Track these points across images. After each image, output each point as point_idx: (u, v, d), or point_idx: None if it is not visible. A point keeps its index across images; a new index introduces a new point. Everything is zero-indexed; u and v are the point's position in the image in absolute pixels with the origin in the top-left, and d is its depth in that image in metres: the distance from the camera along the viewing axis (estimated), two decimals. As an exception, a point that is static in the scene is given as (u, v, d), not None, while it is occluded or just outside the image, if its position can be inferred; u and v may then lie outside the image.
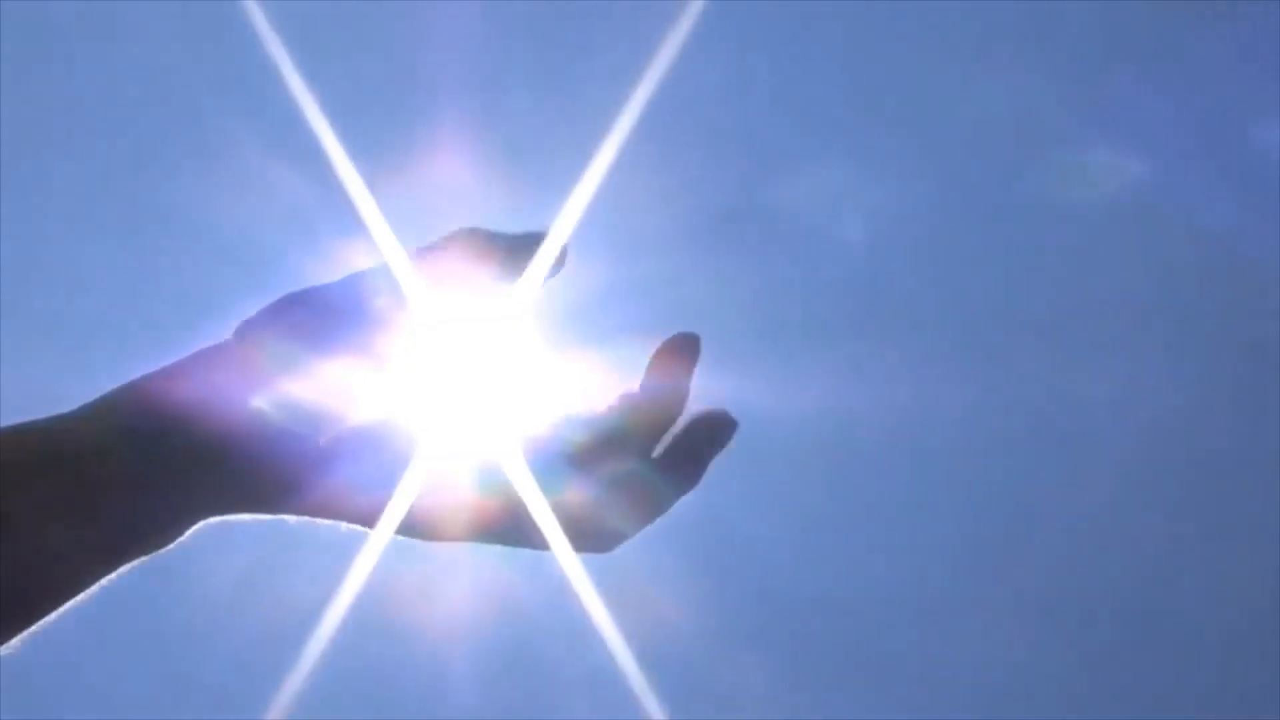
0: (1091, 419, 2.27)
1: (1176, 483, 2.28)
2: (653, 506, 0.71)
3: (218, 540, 0.69)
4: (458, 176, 2.02)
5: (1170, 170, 2.28)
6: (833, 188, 2.25)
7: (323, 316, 0.67)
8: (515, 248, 0.69)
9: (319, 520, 0.67)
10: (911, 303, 2.27)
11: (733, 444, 0.73)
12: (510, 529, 0.69)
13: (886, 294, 2.27)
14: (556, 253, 0.70)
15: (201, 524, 0.67)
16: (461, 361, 0.69)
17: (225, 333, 0.69)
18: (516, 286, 0.69)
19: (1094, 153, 2.29)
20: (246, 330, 0.67)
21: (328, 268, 0.69)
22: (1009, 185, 2.28)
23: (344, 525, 0.67)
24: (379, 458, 0.67)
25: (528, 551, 0.69)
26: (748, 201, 2.26)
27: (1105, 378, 2.27)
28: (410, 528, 0.68)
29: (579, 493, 0.69)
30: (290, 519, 0.67)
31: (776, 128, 2.26)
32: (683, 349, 0.73)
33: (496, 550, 0.69)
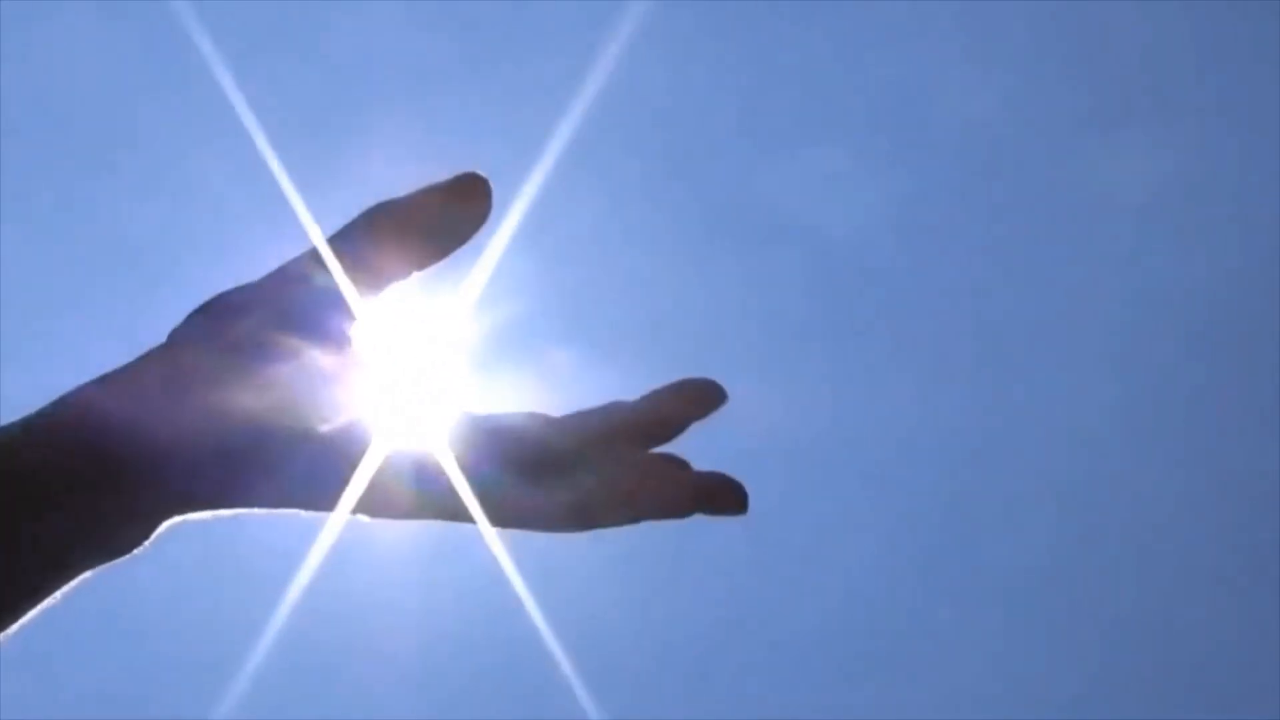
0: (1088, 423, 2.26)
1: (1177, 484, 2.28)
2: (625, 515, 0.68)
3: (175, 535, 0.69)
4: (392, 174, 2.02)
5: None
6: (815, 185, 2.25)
7: (279, 323, 0.67)
8: (423, 203, 0.67)
9: (274, 511, 0.67)
10: (906, 306, 2.26)
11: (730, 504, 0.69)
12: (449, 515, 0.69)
13: (878, 297, 2.26)
14: (470, 188, 0.67)
15: (166, 525, 0.67)
16: (406, 369, 0.69)
17: (161, 335, 0.69)
18: (448, 248, 0.68)
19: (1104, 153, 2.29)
20: (179, 337, 0.67)
21: (251, 262, 0.69)
22: (1010, 185, 2.28)
23: (300, 513, 0.67)
24: (329, 466, 0.67)
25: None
26: (720, 201, 2.26)
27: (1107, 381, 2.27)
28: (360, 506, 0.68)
29: (519, 501, 0.68)
30: (253, 511, 0.67)
31: (760, 123, 2.26)
32: (698, 395, 0.70)
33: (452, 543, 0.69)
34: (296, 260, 0.68)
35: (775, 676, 2.36)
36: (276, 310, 0.67)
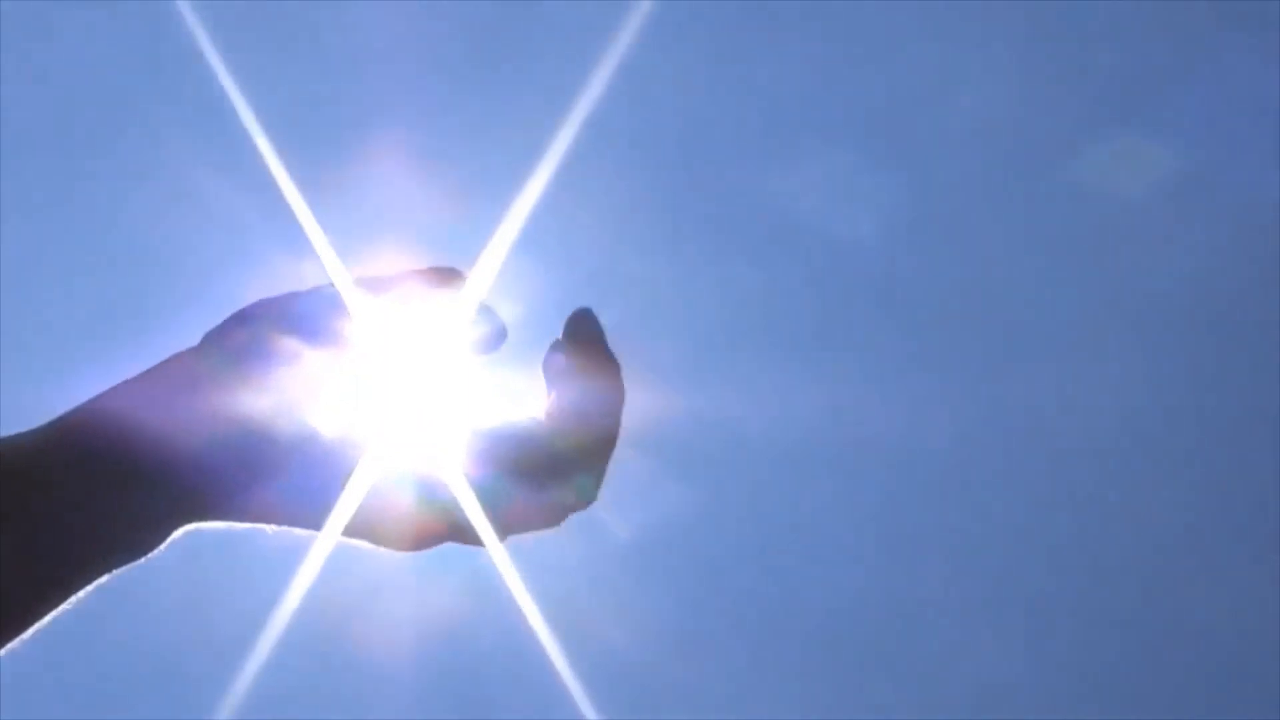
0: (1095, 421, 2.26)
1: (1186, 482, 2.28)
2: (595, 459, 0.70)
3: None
4: (407, 183, 2.02)
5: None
6: (812, 186, 2.26)
7: (282, 329, 0.68)
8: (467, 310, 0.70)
9: (278, 527, 0.68)
10: (907, 303, 2.26)
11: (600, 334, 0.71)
12: (453, 537, 0.70)
13: (878, 295, 2.26)
14: (492, 329, 0.70)
15: (179, 531, 0.68)
16: (407, 374, 0.70)
17: (193, 340, 0.70)
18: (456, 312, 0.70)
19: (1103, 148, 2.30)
20: (209, 341, 0.69)
21: (284, 280, 0.70)
22: (1009, 182, 2.28)
23: (297, 530, 0.68)
24: (330, 467, 0.68)
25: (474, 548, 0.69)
26: (707, 205, 2.26)
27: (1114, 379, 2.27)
28: (361, 533, 0.69)
29: (522, 506, 0.69)
30: (267, 527, 0.68)
31: (752, 124, 2.26)
32: (583, 337, 0.71)
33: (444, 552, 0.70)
34: (331, 286, 0.70)
35: (777, 681, 2.36)
36: (284, 316, 0.68)
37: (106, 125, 2.19)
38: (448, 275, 0.70)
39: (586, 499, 0.70)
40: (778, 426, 2.25)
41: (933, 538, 2.34)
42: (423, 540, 0.70)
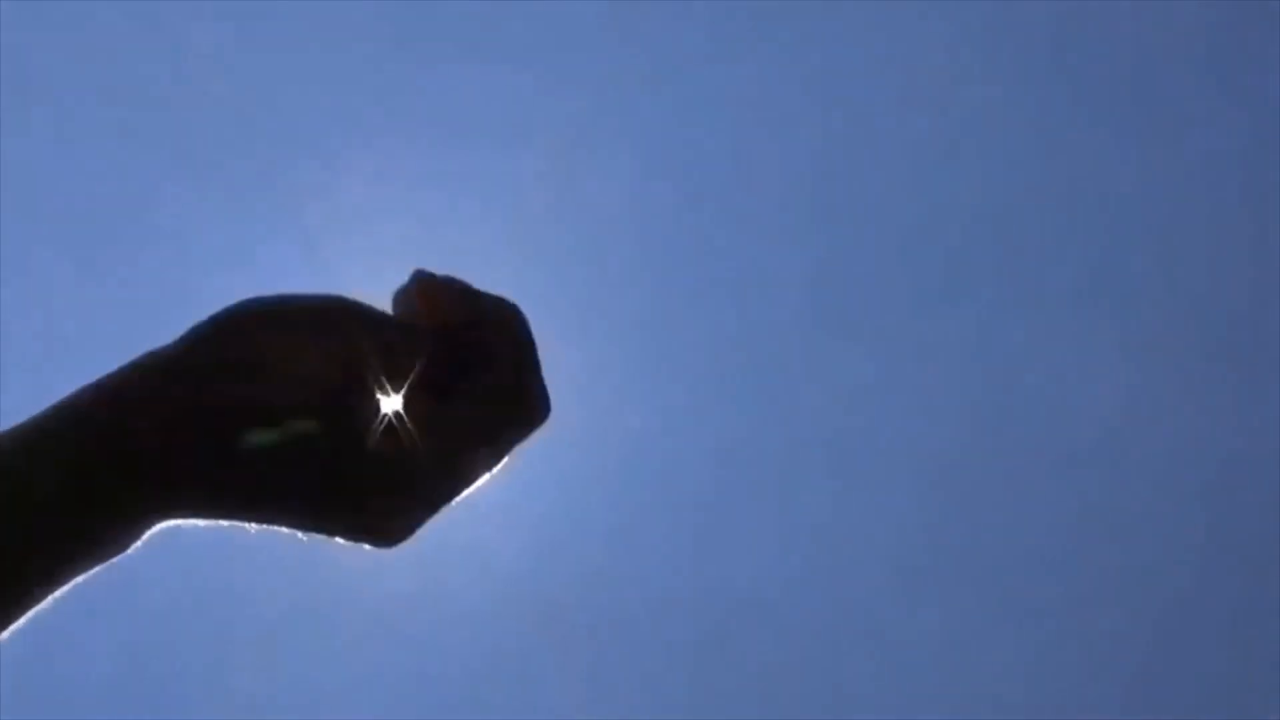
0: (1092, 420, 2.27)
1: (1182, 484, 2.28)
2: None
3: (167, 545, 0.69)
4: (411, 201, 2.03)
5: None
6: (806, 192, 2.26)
7: (276, 332, 0.68)
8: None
9: (266, 527, 0.68)
10: (901, 302, 2.27)
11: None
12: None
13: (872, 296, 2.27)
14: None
15: (156, 529, 0.67)
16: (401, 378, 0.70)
17: (170, 337, 0.69)
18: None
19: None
20: (201, 340, 0.68)
21: (280, 284, 0.69)
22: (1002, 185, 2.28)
23: (287, 532, 0.68)
24: (320, 469, 0.68)
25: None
26: (700, 209, 2.27)
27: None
28: (353, 533, 0.69)
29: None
30: (248, 527, 0.67)
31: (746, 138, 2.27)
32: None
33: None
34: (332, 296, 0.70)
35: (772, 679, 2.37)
36: (278, 318, 0.68)
37: (101, 126, 2.20)
38: (444, 283, 0.70)
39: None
40: (770, 427, 2.25)
41: (931, 538, 2.35)
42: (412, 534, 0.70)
